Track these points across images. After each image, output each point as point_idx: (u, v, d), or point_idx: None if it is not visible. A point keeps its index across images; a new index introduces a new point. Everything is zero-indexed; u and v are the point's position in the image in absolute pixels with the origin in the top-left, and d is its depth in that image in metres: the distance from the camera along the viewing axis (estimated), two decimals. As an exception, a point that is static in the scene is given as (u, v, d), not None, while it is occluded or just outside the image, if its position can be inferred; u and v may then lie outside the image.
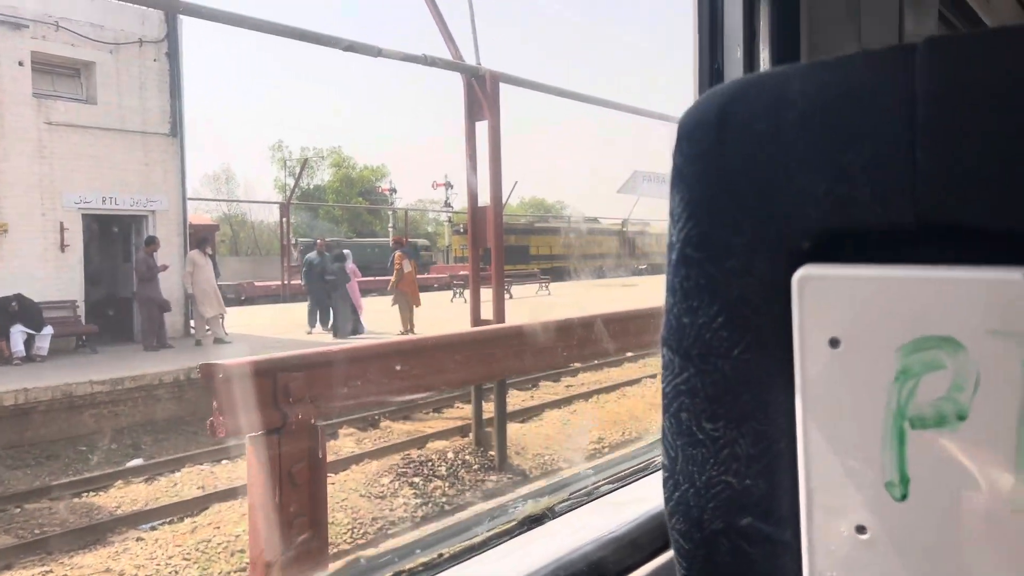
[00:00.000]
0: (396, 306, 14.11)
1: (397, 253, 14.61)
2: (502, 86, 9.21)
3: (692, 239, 0.46)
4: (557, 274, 32.26)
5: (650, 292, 23.11)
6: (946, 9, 2.28)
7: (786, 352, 0.44)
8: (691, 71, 1.50)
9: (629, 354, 12.12)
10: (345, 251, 15.76)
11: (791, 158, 0.43)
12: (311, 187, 57.04)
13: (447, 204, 47.61)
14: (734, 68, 1.42)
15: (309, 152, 57.14)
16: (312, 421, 1.64)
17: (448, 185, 46.10)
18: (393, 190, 49.74)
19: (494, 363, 2.11)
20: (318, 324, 14.25)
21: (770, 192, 0.44)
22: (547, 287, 24.63)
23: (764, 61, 1.38)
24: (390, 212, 43.81)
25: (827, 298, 0.43)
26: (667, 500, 0.50)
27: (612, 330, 2.74)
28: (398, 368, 1.88)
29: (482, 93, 8.90)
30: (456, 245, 36.33)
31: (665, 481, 0.50)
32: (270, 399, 1.59)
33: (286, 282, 25.80)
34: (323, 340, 13.15)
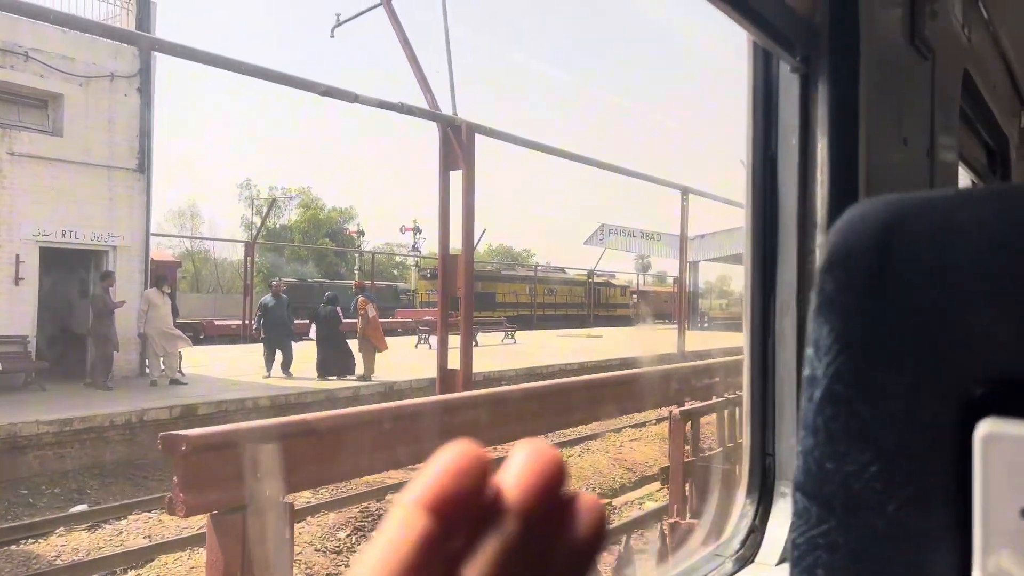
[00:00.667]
0: (361, 352, 13.90)
1: (360, 298, 14.45)
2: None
3: (843, 375, 0.42)
4: (523, 322, 32.21)
5: (615, 344, 23.15)
6: None
7: (956, 515, 0.40)
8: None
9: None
10: (333, 294, 15.43)
11: (965, 293, 0.40)
12: (278, 226, 56.68)
13: (415, 248, 47.58)
14: (789, 155, 1.38)
15: (277, 191, 56.95)
16: (281, 498, 1.55)
17: (416, 230, 46.13)
18: (361, 232, 49.63)
19: (476, 431, 2.04)
20: (275, 367, 13.97)
21: (939, 329, 0.40)
22: (513, 335, 24.56)
23: (821, 150, 1.33)
24: (356, 255, 43.55)
25: (1018, 460, 0.38)
26: None
27: (590, 397, 2.68)
28: (377, 436, 1.79)
29: (457, 143, 8.93)
30: (423, 290, 36.15)
31: None
32: (236, 473, 1.49)
33: (248, 322, 25.40)
34: (282, 384, 12.88)
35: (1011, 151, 2.88)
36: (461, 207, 8.92)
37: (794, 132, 1.37)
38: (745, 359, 1.44)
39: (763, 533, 1.36)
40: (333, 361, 14.18)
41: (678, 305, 16.44)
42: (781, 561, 1.31)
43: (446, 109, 9.16)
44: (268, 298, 14.41)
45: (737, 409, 3.45)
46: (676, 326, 16.76)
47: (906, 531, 0.41)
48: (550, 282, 41.09)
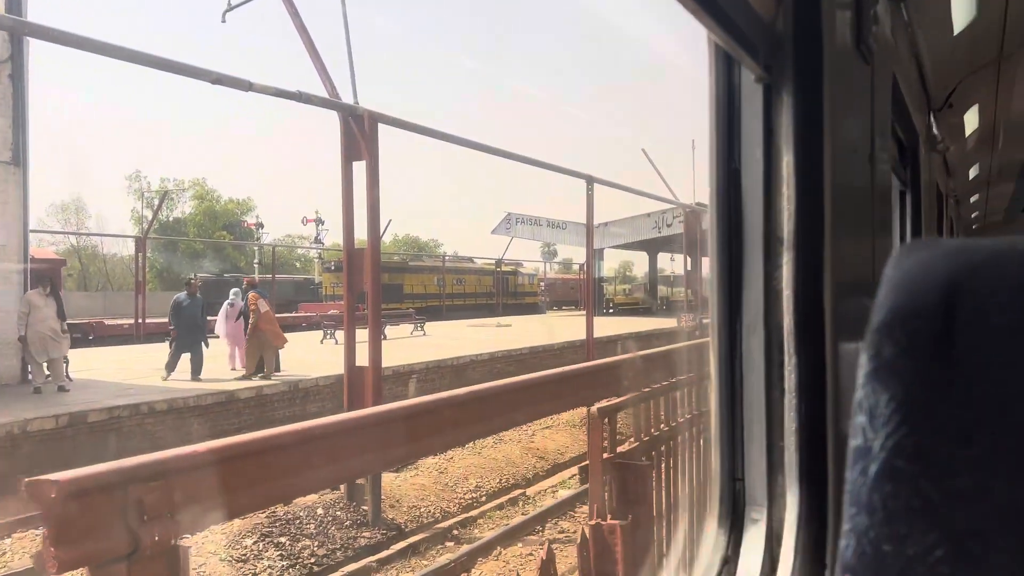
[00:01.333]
0: (258, 350, 13.38)
1: (252, 294, 13.97)
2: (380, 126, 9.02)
3: (904, 449, 0.39)
4: (432, 313, 31.99)
5: (525, 333, 23.27)
6: None
7: None
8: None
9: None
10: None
11: None
12: (171, 220, 54.19)
13: (318, 240, 46.43)
14: (754, 168, 1.33)
15: (170, 183, 54.41)
16: (172, 541, 1.38)
17: (319, 221, 45.03)
18: (260, 225, 48.02)
19: (392, 448, 1.92)
20: (177, 370, 13.29)
21: (1015, 398, 0.37)
22: (422, 327, 24.31)
23: (787, 164, 1.28)
24: (256, 248, 42.12)
25: None
26: None
27: (510, 401, 2.59)
28: (284, 463, 1.65)
29: (360, 133, 8.66)
30: (328, 283, 35.30)
31: None
32: (118, 519, 1.31)
33: (141, 321, 24.18)
34: (181, 387, 12.27)
35: (920, 146, 2.98)
36: (366, 198, 8.67)
37: (758, 144, 1.32)
38: (712, 381, 1.38)
39: (736, 564, 1.31)
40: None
41: (586, 293, 16.61)
42: None
43: (347, 97, 8.88)
44: (182, 296, 13.67)
45: (655, 401, 3.43)
46: (584, 313, 16.92)
47: None
48: (458, 272, 40.92)
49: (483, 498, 10.02)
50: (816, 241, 1.28)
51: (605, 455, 3.10)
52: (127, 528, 1.33)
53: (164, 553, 1.36)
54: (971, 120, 4.54)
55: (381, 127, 8.90)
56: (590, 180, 13.71)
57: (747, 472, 1.33)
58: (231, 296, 14.79)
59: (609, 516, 2.77)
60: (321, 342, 20.66)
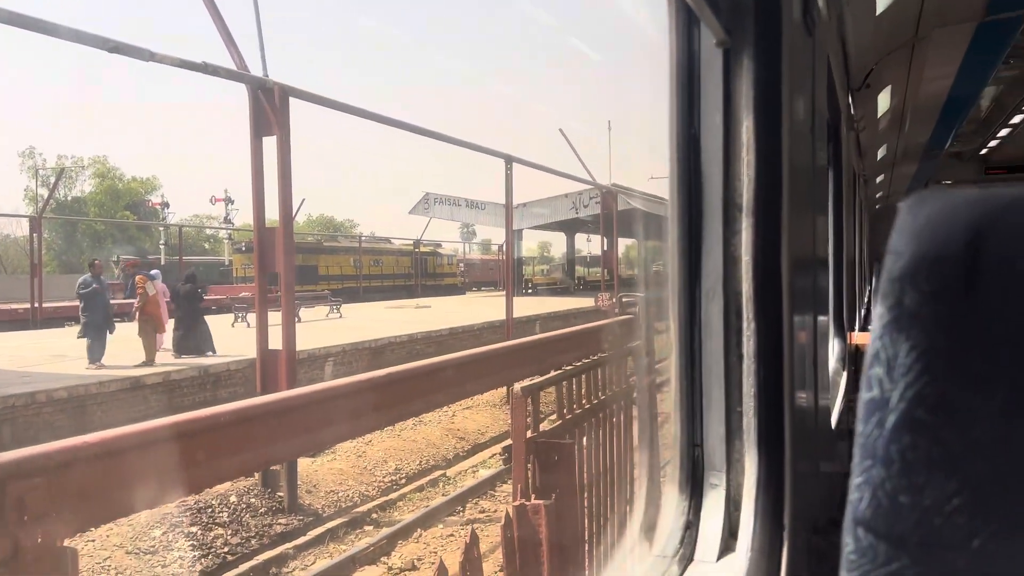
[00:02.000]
0: (140, 336, 12.81)
1: (138, 276, 13.45)
2: (293, 101, 8.70)
3: (926, 399, 0.38)
4: (349, 295, 31.43)
5: (444, 314, 23.13)
6: None
7: None
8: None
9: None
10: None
11: None
12: (69, 199, 51.33)
13: (227, 220, 44.87)
14: (713, 135, 1.31)
15: (67, 160, 51.47)
16: (59, 543, 1.24)
17: (228, 200, 43.49)
18: (165, 204, 46.05)
19: (308, 434, 1.82)
20: (84, 355, 12.56)
21: None
22: (338, 309, 23.84)
23: (747, 130, 1.27)
24: (161, 228, 40.37)
25: None
26: None
27: (432, 382, 2.52)
28: (191, 452, 1.53)
29: (270, 107, 8.33)
30: (238, 264, 34.15)
31: None
32: (-6, 520, 1.17)
33: (38, 305, 22.85)
34: (84, 374, 11.64)
35: (842, 125, 3.04)
36: (277, 175, 8.36)
37: (718, 110, 1.31)
38: (672, 347, 1.37)
39: (698, 529, 1.31)
40: (192, 339, 13.59)
41: (506, 273, 16.61)
42: (720, 557, 1.27)
43: (256, 70, 8.52)
44: (88, 278, 12.91)
45: (578, 379, 3.41)
46: (503, 293, 16.91)
47: (992, 569, 0.38)
48: (375, 253, 40.28)
49: (403, 481, 9.92)
50: (774, 209, 1.28)
51: (529, 434, 3.06)
52: (5, 531, 1.19)
53: (49, 556, 1.22)
54: (884, 101, 4.68)
55: (294, 102, 8.60)
56: (509, 160, 13.64)
57: (706, 438, 1.33)
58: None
59: (533, 496, 2.73)
60: (232, 325, 20.00)
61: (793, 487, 1.30)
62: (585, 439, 3.33)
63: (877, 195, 9.96)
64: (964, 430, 0.38)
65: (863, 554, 0.40)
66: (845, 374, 3.73)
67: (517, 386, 2.94)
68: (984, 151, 11.99)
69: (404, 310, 25.83)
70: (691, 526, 1.31)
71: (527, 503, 2.64)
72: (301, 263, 31.21)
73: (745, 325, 1.27)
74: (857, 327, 5.73)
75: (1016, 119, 9.42)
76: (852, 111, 3.45)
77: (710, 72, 1.32)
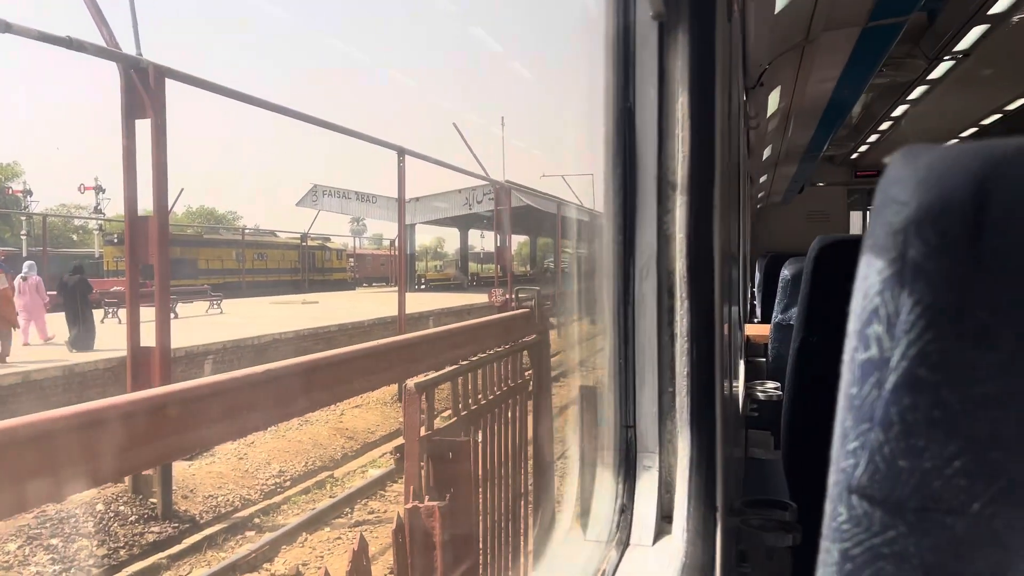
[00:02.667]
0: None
1: None
2: (171, 83, 8.18)
3: (929, 356, 0.36)
4: (231, 290, 30.16)
5: (332, 310, 22.51)
6: None
7: None
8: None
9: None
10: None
11: None
12: (-83, 186, 46.87)
13: (97, 210, 42.10)
14: (648, 109, 1.30)
15: (-88, 142, 47.01)
16: None
17: (99, 189, 40.80)
18: (28, 192, 42.74)
19: (179, 435, 1.63)
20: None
21: None
22: (219, 305, 22.79)
23: (682, 105, 1.25)
24: (24, 218, 37.44)
25: None
26: None
27: (317, 379, 2.32)
28: (49, 455, 1.31)
29: (144, 88, 7.79)
30: (110, 257, 32.08)
31: None
32: None
33: None
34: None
35: (741, 119, 3.05)
36: (151, 162, 7.82)
37: (652, 84, 1.29)
38: (606, 326, 1.33)
39: (632, 512, 1.29)
40: (88, 333, 13.37)
41: (399, 268, 16.34)
42: (656, 540, 1.26)
43: (129, 47, 7.94)
44: None
45: (475, 374, 3.29)
46: (395, 289, 16.62)
47: (992, 531, 0.37)
48: (260, 247, 38.79)
49: (287, 483, 9.52)
50: (707, 186, 1.28)
51: (423, 431, 2.92)
52: None
53: None
54: (773, 101, 4.82)
55: (172, 84, 8.07)
56: (401, 152, 13.37)
57: (638, 419, 1.32)
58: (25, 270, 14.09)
59: (427, 497, 2.59)
60: (102, 321, 18.75)
61: (723, 467, 1.32)
62: (482, 435, 3.21)
63: (759, 194, 10.39)
64: (966, 389, 0.36)
65: (857, 523, 0.38)
66: (743, 362, 3.76)
67: (410, 382, 2.79)
68: (855, 156, 12.71)
69: (290, 306, 24.99)
70: (626, 510, 1.29)
71: (420, 505, 2.49)
72: (179, 256, 29.71)
73: (679, 304, 1.26)
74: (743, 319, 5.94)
75: (884, 126, 10.01)
76: (747, 109, 3.50)
77: (645, 45, 1.30)
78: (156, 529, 7.67)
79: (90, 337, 13.39)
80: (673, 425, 1.27)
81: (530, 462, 3.89)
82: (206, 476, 9.13)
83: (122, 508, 7.85)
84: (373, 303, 25.66)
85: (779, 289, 3.48)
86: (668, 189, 1.27)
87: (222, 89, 9.18)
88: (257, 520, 8.17)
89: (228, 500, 8.69)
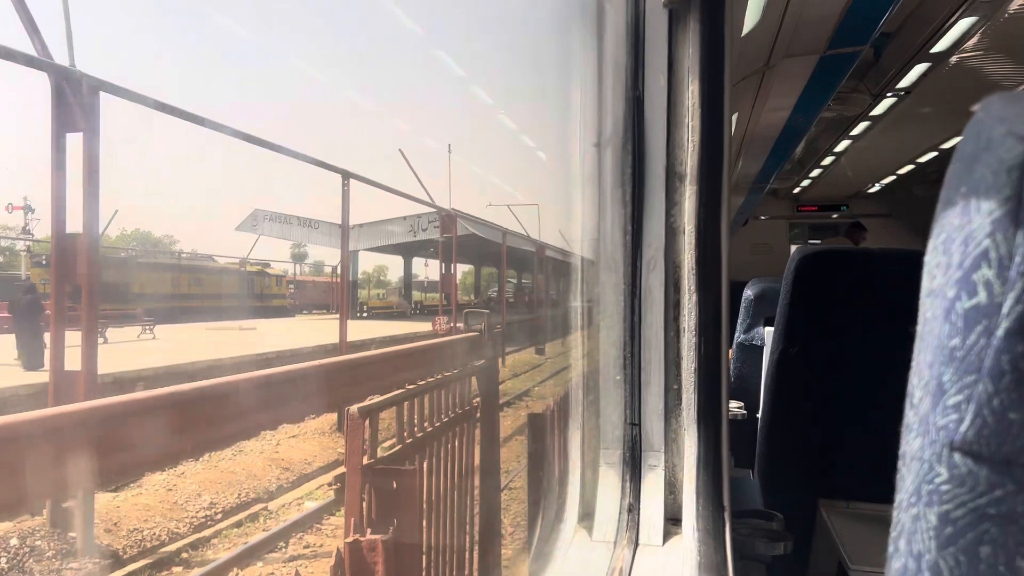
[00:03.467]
0: None
1: None
2: (107, 96, 7.87)
3: None
4: (166, 316, 29.20)
5: (269, 337, 21.93)
6: None
7: None
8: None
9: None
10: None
11: None
12: None
13: (26, 231, 40.36)
14: (658, 97, 1.29)
15: None
16: None
17: (28, 209, 39.19)
18: None
19: (102, 459, 1.46)
20: None
21: None
22: (151, 330, 21.98)
23: (692, 94, 1.25)
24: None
25: None
26: None
27: (253, 400, 2.16)
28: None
29: (76, 100, 7.47)
30: (37, 279, 30.69)
31: None
32: None
33: None
34: None
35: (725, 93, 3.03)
36: (82, 179, 7.47)
37: (662, 72, 1.27)
38: (612, 323, 1.30)
39: (639, 511, 1.26)
40: (35, 354, 13.00)
41: (340, 295, 16.03)
42: (666, 540, 1.23)
43: (62, 57, 7.62)
44: None
45: (421, 399, 3.14)
46: (336, 316, 16.28)
47: None
48: (196, 271, 37.73)
49: (219, 515, 9.08)
50: (716, 177, 1.26)
51: (365, 460, 2.75)
52: None
53: None
54: (731, 126, 4.84)
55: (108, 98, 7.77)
56: (346, 176, 13.16)
57: (643, 417, 1.29)
58: None
59: (369, 531, 2.42)
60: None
61: (729, 465, 1.29)
62: (428, 463, 3.06)
63: None
64: None
65: (960, 483, 0.36)
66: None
67: (353, 407, 2.62)
68: (797, 190, 12.99)
69: (226, 332, 24.28)
70: (632, 509, 1.27)
71: (362, 538, 2.32)
72: (111, 280, 28.70)
73: (686, 298, 1.24)
74: None
75: (826, 161, 10.23)
76: None
77: (655, 33, 1.29)
78: (75, 565, 7.20)
79: (40, 357, 12.92)
80: (679, 423, 1.26)
81: (476, 490, 3.74)
82: (131, 508, 8.66)
83: (39, 543, 7.36)
84: (313, 330, 25.12)
85: (741, 310, 3.48)
86: (676, 180, 1.25)
87: (160, 104, 8.88)
88: (185, 555, 7.76)
89: (155, 534, 8.24)
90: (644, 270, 1.29)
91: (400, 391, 3.02)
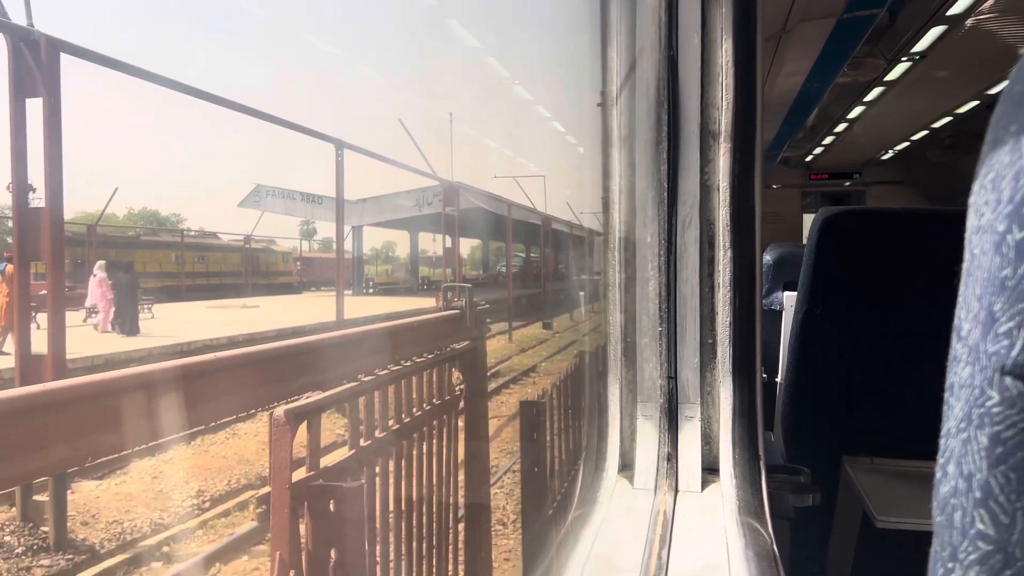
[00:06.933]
0: None
1: None
2: (70, 59, 7.30)
3: None
4: (169, 294, 28.85)
5: (272, 315, 21.48)
6: None
7: None
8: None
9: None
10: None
11: None
12: None
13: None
14: (691, 55, 1.31)
15: None
16: None
17: None
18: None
19: (69, 441, 1.14)
20: None
21: None
22: (150, 309, 21.55)
23: (726, 51, 1.28)
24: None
25: None
26: None
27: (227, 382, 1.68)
28: None
29: (35, 63, 6.89)
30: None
31: (985, 557, 0.39)
32: None
33: None
34: None
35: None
36: (44, 145, 6.92)
37: (696, 31, 1.31)
38: (649, 280, 1.34)
39: (677, 460, 1.30)
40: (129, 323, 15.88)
41: (337, 268, 15.63)
42: (704, 487, 1.27)
43: (19, 16, 7.05)
44: None
45: (381, 392, 2.57)
46: (346, 293, 15.78)
47: None
48: (201, 249, 37.26)
49: (206, 504, 8.61)
50: (749, 134, 1.30)
51: (304, 473, 2.19)
52: None
53: None
54: None
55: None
56: (339, 145, 12.52)
57: (679, 371, 1.33)
58: None
59: (305, 566, 1.85)
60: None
61: (764, 416, 1.33)
62: (384, 473, 2.49)
63: None
64: None
65: (1011, 404, 0.37)
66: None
67: (279, 410, 2.05)
68: (809, 158, 12.46)
69: (228, 310, 23.85)
70: (671, 458, 1.31)
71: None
72: (114, 259, 28.34)
73: (720, 254, 1.29)
74: None
75: (839, 128, 9.83)
76: None
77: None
78: (46, 561, 6.74)
79: (136, 326, 16.48)
80: (714, 376, 1.29)
81: (458, 497, 3.18)
82: (112, 498, 8.22)
83: (7, 538, 6.91)
84: (318, 307, 24.63)
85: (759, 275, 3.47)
86: (710, 138, 1.29)
87: (128, 67, 8.28)
88: (167, 548, 7.29)
89: (136, 526, 7.77)
90: (679, 227, 1.31)
91: (350, 384, 2.44)
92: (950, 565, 0.40)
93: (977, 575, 0.38)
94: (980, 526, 0.38)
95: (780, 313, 3.35)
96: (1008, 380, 0.36)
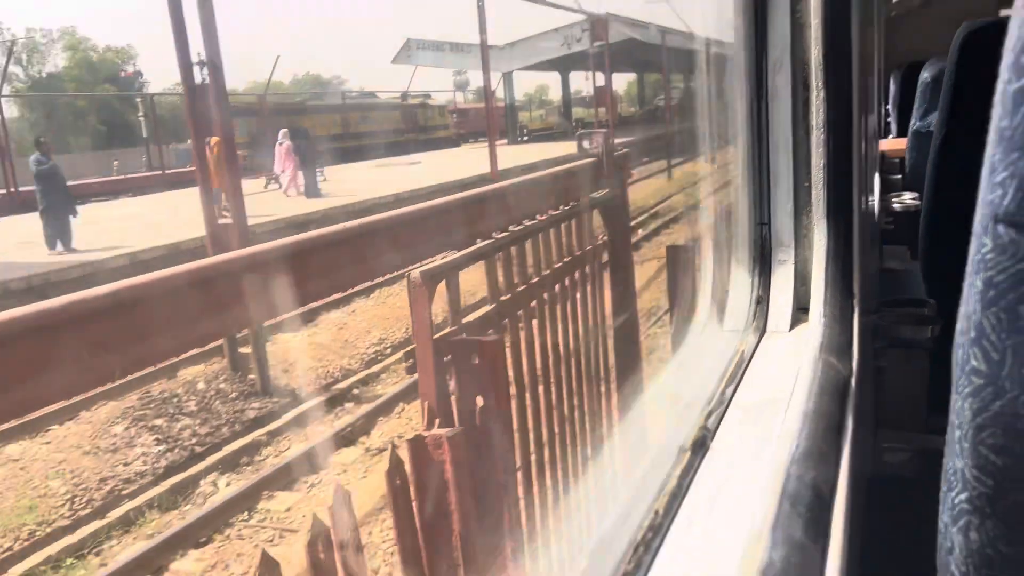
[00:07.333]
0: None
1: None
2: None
3: None
4: (336, 156, 30.26)
5: (434, 170, 22.08)
6: None
7: None
8: None
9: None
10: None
11: None
12: (43, 76, 48.83)
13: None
14: None
15: (37, 33, 48.56)
16: None
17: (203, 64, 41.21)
18: (139, 73, 43.73)
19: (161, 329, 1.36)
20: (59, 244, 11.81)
21: None
22: (323, 172, 22.78)
23: None
24: (139, 100, 38.43)
25: None
26: (977, 412, 0.42)
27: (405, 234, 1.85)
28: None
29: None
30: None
31: (977, 390, 0.42)
32: None
33: (14, 190, 21.94)
34: (52, 261, 10.93)
35: None
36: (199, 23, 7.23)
37: None
38: (738, 126, 1.32)
39: (768, 302, 1.31)
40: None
41: (487, 116, 15.66)
42: (792, 327, 1.26)
43: None
44: (38, 156, 11.99)
45: (520, 247, 2.60)
46: (501, 143, 15.89)
47: None
48: (362, 109, 38.35)
49: (388, 350, 9.36)
50: None
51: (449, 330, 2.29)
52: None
53: None
54: None
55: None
56: (480, -11, 12.15)
57: (773, 216, 1.31)
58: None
59: (438, 422, 1.99)
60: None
61: (860, 256, 1.32)
62: (524, 330, 2.56)
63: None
64: None
65: (1002, 251, 0.39)
66: (877, 176, 3.62)
67: (415, 272, 2.13)
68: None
69: (394, 168, 24.76)
70: (761, 301, 1.31)
71: (426, 434, 1.90)
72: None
73: (814, 95, 1.22)
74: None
75: None
76: None
77: None
78: (256, 405, 7.68)
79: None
80: (809, 220, 1.27)
81: (605, 346, 3.23)
82: (306, 348, 9.10)
83: (222, 386, 7.90)
84: (474, 159, 25.00)
85: (918, 95, 3.33)
86: None
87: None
88: (355, 391, 8.05)
89: (328, 371, 8.62)
90: (770, 71, 1.27)
91: (485, 242, 2.49)
92: (953, 397, 0.43)
93: (971, 406, 0.41)
94: (974, 362, 0.41)
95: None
96: (1001, 228, 0.38)
